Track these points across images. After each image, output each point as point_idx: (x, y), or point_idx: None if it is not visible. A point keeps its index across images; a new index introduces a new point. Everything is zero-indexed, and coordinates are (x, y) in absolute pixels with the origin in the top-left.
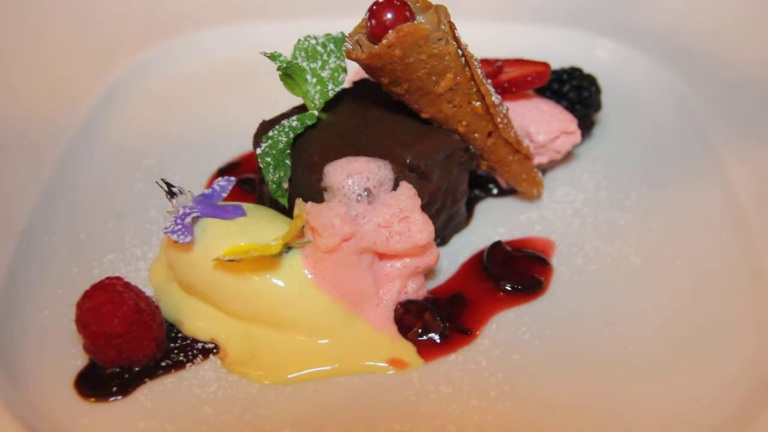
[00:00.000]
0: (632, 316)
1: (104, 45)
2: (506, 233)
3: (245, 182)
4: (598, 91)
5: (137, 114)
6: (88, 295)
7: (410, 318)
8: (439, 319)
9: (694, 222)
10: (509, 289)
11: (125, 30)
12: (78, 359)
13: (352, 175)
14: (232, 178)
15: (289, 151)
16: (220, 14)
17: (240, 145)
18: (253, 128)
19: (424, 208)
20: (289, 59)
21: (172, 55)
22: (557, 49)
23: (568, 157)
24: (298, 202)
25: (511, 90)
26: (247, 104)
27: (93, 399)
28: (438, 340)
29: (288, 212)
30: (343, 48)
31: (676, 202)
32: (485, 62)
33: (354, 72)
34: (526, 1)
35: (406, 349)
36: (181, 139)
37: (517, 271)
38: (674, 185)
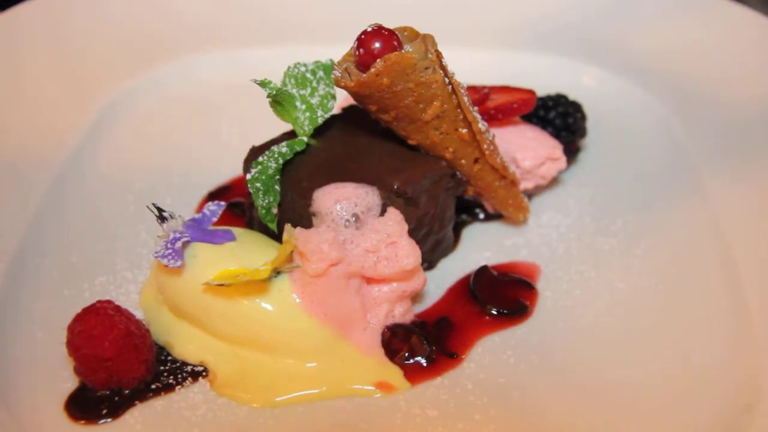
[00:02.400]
0: (616, 340)
1: (95, 68)
2: (492, 258)
3: (235, 206)
4: (583, 117)
5: (128, 138)
6: (79, 319)
7: (397, 342)
8: (425, 342)
9: (678, 247)
10: (495, 313)
11: (117, 53)
12: (68, 381)
13: (340, 200)
14: (222, 203)
15: (278, 176)
16: (212, 40)
17: (230, 170)
18: (243, 153)
19: (412, 233)
20: (279, 86)
21: (163, 80)
22: (543, 76)
23: (553, 182)
24: (287, 227)
25: (497, 117)
26: (237, 129)
27: (83, 421)
28: (424, 364)
29: (277, 237)
30: (332, 76)
31: (660, 227)
32: (472, 89)
33: (343, 98)
34: (513, 29)
35: (393, 373)
36: (171, 164)
37: (503, 295)
38: (658, 210)
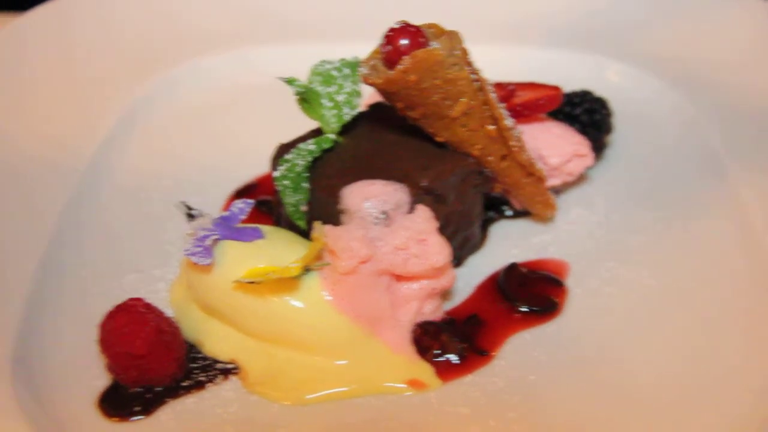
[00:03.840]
0: (647, 337)
1: (123, 64)
2: (521, 255)
3: (262, 204)
4: (609, 113)
5: (156, 135)
6: (110, 317)
7: (428, 339)
8: (456, 340)
9: (707, 243)
10: (525, 310)
11: (146, 49)
12: (100, 379)
13: (369, 198)
14: (251, 201)
15: (306, 174)
16: (239, 38)
17: (255, 168)
18: (268, 151)
19: (440, 230)
20: (306, 84)
21: (191, 77)
22: (568, 72)
23: (580, 179)
24: (317, 224)
25: (523, 113)
26: (262, 127)
27: (116, 418)
28: (455, 361)
29: (306, 234)
30: (359, 73)
31: (689, 223)
32: (498, 86)
33: (369, 95)
34: (538, 25)
35: (424, 370)
36: (197, 162)
37: (533, 292)
38: (686, 206)
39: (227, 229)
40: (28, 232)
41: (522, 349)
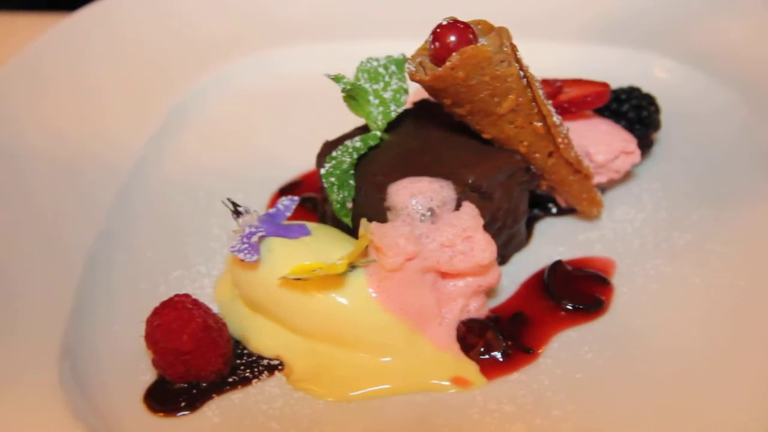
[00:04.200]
0: (694, 336)
1: (169, 64)
2: (566, 252)
3: (307, 200)
4: (657, 110)
5: (199, 134)
6: (157, 312)
7: (473, 336)
8: (501, 337)
9: (755, 242)
10: (570, 308)
11: (185, 51)
12: (147, 374)
13: (415, 195)
14: (296, 198)
15: (352, 171)
16: (281, 36)
17: (300, 165)
18: (312, 148)
19: (485, 227)
20: (353, 81)
21: (233, 77)
22: (615, 68)
23: (627, 176)
24: (363, 221)
25: (570, 110)
26: (305, 124)
27: (162, 413)
28: (500, 359)
29: (351, 231)
30: (407, 70)
31: (737, 222)
32: (545, 83)
33: (414, 92)
34: (584, 21)
35: (469, 368)
36: (241, 159)
37: (578, 290)
38: (734, 204)
39: (273, 225)
40: (77, 228)
41: (568, 347)
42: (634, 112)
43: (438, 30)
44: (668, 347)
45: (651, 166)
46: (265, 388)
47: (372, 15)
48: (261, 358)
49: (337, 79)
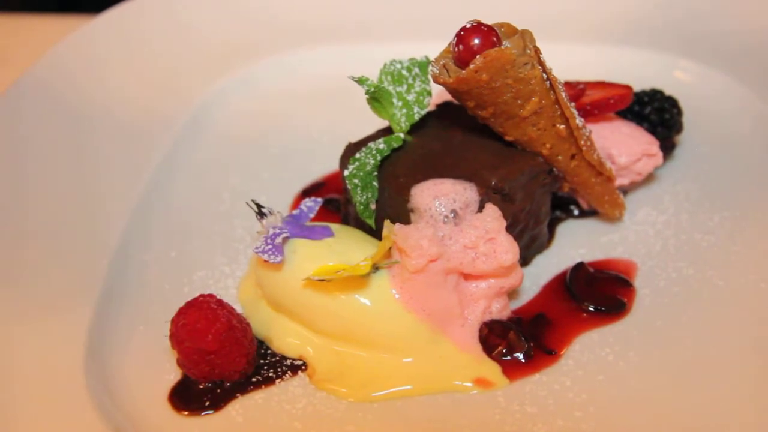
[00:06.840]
0: (716, 338)
1: (193, 63)
2: (588, 254)
3: (329, 202)
4: (679, 112)
5: (222, 136)
6: (182, 312)
7: (495, 338)
8: (523, 338)
9: None
10: (592, 310)
11: (208, 53)
12: (171, 374)
13: (438, 196)
14: (319, 199)
15: (376, 173)
16: (304, 38)
17: (322, 167)
18: (335, 150)
19: (508, 229)
20: (376, 83)
21: (255, 79)
22: (637, 70)
23: (649, 178)
24: (387, 223)
25: (593, 112)
26: (327, 126)
27: (186, 412)
28: (522, 360)
29: (374, 233)
30: (430, 72)
31: (759, 224)
32: (567, 85)
33: (436, 94)
34: (606, 24)
35: (491, 369)
36: (264, 161)
37: (600, 292)
38: (756, 206)
39: (297, 227)
40: (102, 230)
41: (589, 349)
42: (657, 114)
43: (462, 33)
44: (690, 350)
45: (673, 168)
46: (288, 388)
47: (396, 17)
48: (284, 358)
49: (361, 81)
